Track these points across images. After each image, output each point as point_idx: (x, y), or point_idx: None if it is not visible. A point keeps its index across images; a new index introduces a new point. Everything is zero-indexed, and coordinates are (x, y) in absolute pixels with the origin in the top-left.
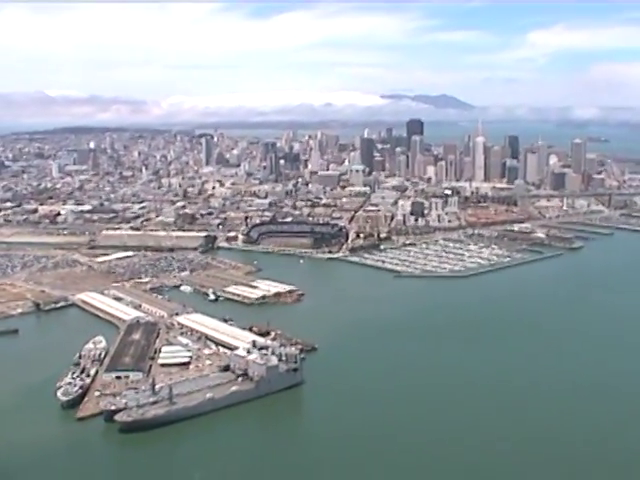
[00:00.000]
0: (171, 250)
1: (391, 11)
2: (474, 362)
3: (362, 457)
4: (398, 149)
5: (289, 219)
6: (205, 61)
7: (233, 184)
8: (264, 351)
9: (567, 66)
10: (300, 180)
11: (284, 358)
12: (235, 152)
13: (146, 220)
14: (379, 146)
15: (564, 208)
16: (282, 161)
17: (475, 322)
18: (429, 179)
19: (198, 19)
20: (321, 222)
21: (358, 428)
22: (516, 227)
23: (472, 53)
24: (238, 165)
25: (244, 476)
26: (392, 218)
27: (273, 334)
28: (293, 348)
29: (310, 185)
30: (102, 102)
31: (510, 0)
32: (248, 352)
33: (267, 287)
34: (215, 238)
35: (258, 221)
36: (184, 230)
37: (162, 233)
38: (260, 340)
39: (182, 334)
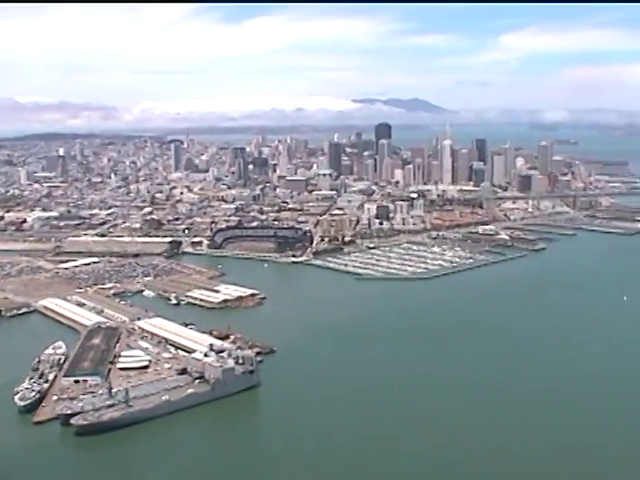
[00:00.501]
0: (136, 256)
1: (363, 15)
2: (432, 363)
3: (317, 457)
4: (366, 153)
5: (255, 224)
6: (177, 66)
7: (201, 189)
8: (221, 354)
9: (539, 69)
10: (268, 185)
11: (240, 361)
12: (204, 157)
13: (113, 226)
14: (348, 150)
15: (529, 210)
16: (251, 166)
17: (434, 323)
18: (397, 182)
19: (169, 24)
20: (285, 226)
21: (314, 429)
22: (480, 229)
23: (445, 56)
24: (207, 170)
25: (199, 477)
26: (357, 222)
27: (233, 337)
28: (249, 351)
29: (278, 190)
30: (72, 108)
31: (483, 3)
32: (205, 355)
33: (229, 291)
34: (180, 243)
35: (224, 226)
36: (150, 236)
37: (127, 239)
38: (217, 343)
39: (143, 338)
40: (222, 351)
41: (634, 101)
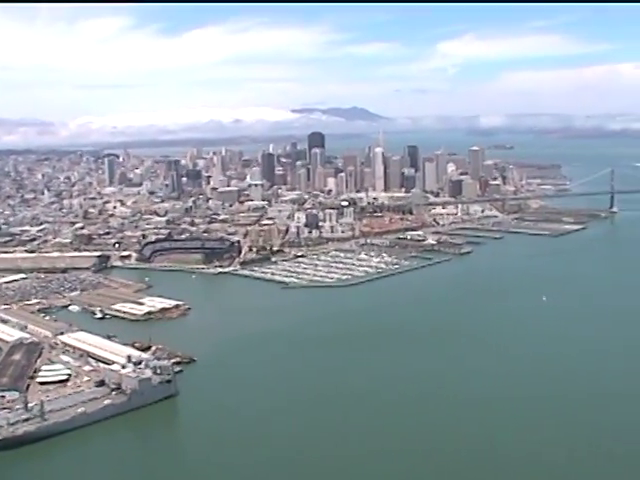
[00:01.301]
0: (64, 271)
1: (302, 25)
2: (353, 369)
3: (236, 465)
4: (299, 163)
5: (184, 236)
6: (116, 80)
7: (134, 203)
8: (138, 365)
9: (477, 75)
10: (201, 197)
11: (158, 371)
12: (138, 171)
13: (43, 242)
14: (283, 160)
15: (458, 215)
16: (185, 179)
17: (354, 330)
18: (329, 191)
19: (107, 38)
20: (212, 238)
21: (232, 437)
22: (409, 235)
23: (384, 65)
24: (141, 184)
25: None
26: (287, 231)
27: (154, 349)
28: (166, 361)
29: (210, 202)
30: (7, 124)
31: (419, 11)
32: (123, 367)
33: (153, 303)
34: (108, 257)
35: (152, 239)
36: (80, 251)
37: (56, 254)
38: (135, 354)
39: (65, 353)
40: (140, 362)
41: (569, 105)
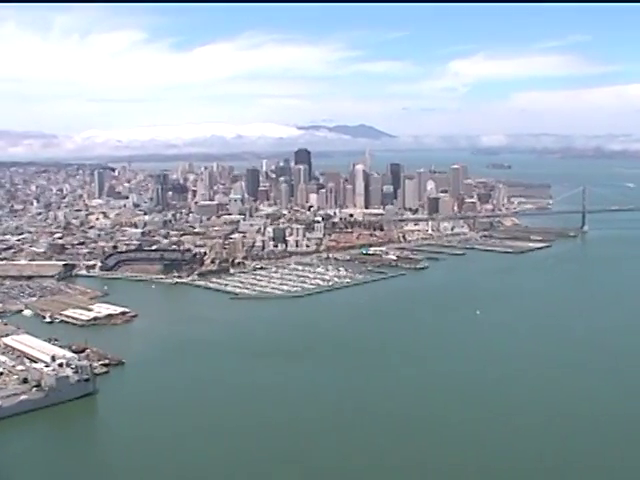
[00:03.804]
0: (29, 278)
1: (314, 42)
2: (287, 379)
3: (149, 464)
4: (281, 178)
5: (154, 247)
6: (127, 94)
7: (117, 215)
8: (60, 363)
9: (488, 95)
10: (184, 210)
11: (79, 370)
12: (127, 184)
13: (19, 251)
14: (272, 176)
15: (429, 231)
16: (170, 192)
17: (291, 339)
18: (310, 207)
19: (119, 51)
20: (172, 249)
21: (144, 435)
22: (371, 250)
23: (394, 83)
24: (127, 197)
25: None
26: (253, 245)
27: (88, 351)
28: (85, 361)
29: (191, 215)
30: (12, 136)
31: (431, 30)
32: (47, 365)
33: (100, 309)
34: (74, 266)
35: (117, 250)
36: (50, 260)
37: (23, 262)
38: (60, 354)
39: (3, 353)
40: (63, 362)
41: (575, 125)
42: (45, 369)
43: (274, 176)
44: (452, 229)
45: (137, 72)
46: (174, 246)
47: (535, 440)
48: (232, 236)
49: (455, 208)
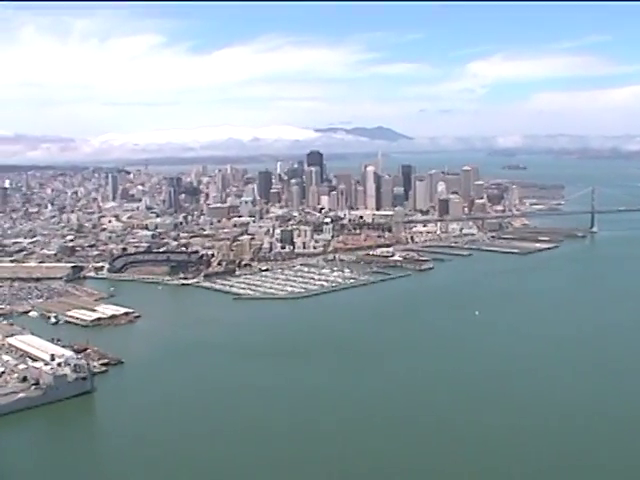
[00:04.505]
0: (38, 280)
1: (331, 45)
2: (287, 381)
3: (145, 461)
4: (293, 180)
5: (163, 249)
6: (145, 98)
7: (129, 218)
8: (58, 362)
9: (506, 96)
10: (196, 213)
11: (77, 369)
12: (140, 187)
13: (30, 253)
14: (285, 177)
15: (437, 233)
16: (183, 195)
17: (296, 340)
18: (322, 209)
19: (138, 55)
20: (180, 251)
21: (140, 433)
22: (378, 251)
23: (413, 85)
24: (141, 200)
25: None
26: (260, 247)
27: (89, 351)
28: (83, 360)
29: (202, 217)
30: (31, 140)
31: (448, 31)
32: (46, 364)
33: (104, 310)
34: (82, 268)
35: (126, 252)
36: (61, 262)
37: (33, 264)
38: (59, 353)
39: (7, 353)
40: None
41: (593, 125)
42: (44, 367)
43: (286, 178)
44: (461, 230)
45: (155, 75)
46: (182, 248)
47: (540, 441)
48: (240, 238)
49: (465, 209)
